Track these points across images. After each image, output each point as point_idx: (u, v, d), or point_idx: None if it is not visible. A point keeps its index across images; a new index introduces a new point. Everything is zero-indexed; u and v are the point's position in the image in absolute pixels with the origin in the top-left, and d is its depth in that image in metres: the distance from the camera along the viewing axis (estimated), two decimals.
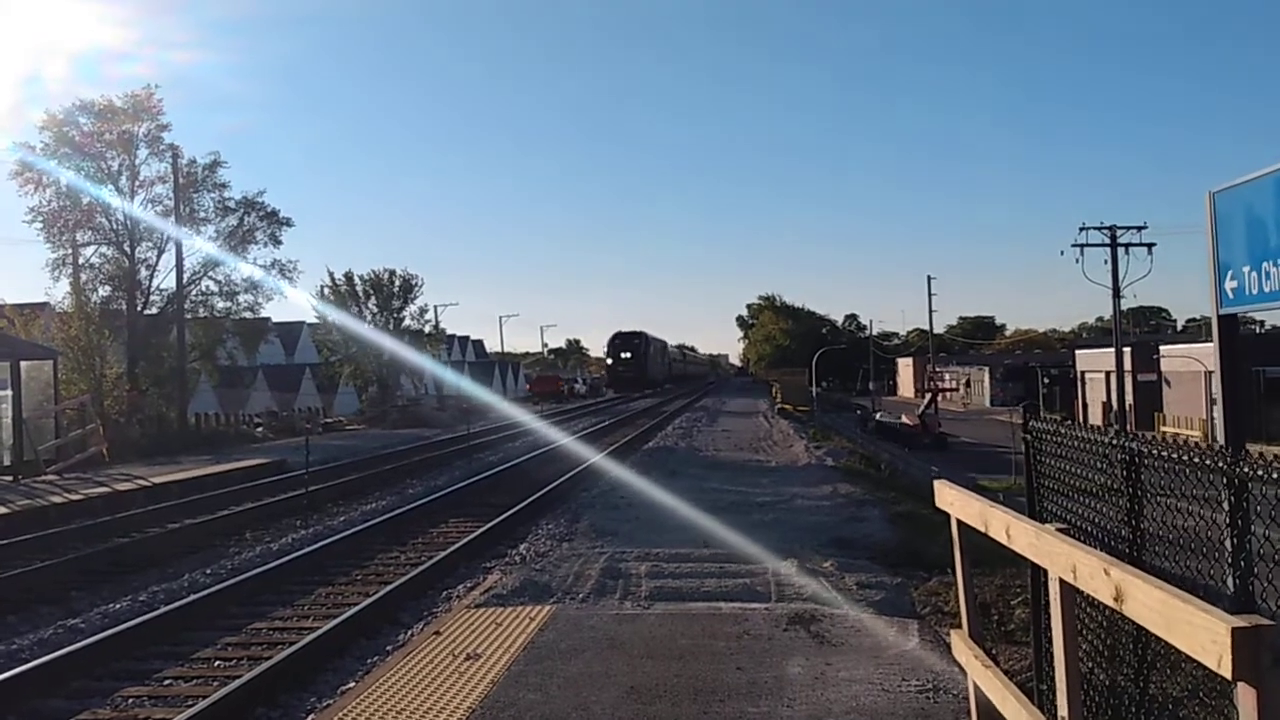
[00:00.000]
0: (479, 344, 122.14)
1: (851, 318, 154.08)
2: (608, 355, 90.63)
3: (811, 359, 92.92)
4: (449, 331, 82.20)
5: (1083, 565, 3.58)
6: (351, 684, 7.59)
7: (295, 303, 49.54)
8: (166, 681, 8.59)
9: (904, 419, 58.44)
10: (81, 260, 38.50)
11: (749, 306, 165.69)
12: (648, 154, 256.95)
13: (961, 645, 5.55)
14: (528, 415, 43.79)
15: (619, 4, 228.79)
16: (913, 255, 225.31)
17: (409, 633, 9.30)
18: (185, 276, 38.74)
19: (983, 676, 5.15)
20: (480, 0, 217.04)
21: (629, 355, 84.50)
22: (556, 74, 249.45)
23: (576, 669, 7.00)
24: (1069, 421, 5.60)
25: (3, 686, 7.98)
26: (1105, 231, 48.26)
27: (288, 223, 42.65)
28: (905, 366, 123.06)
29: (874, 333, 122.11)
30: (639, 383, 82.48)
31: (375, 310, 58.30)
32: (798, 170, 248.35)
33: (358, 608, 10.44)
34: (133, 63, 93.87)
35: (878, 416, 66.08)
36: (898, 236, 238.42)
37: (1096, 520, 4.82)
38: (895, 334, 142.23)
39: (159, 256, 39.68)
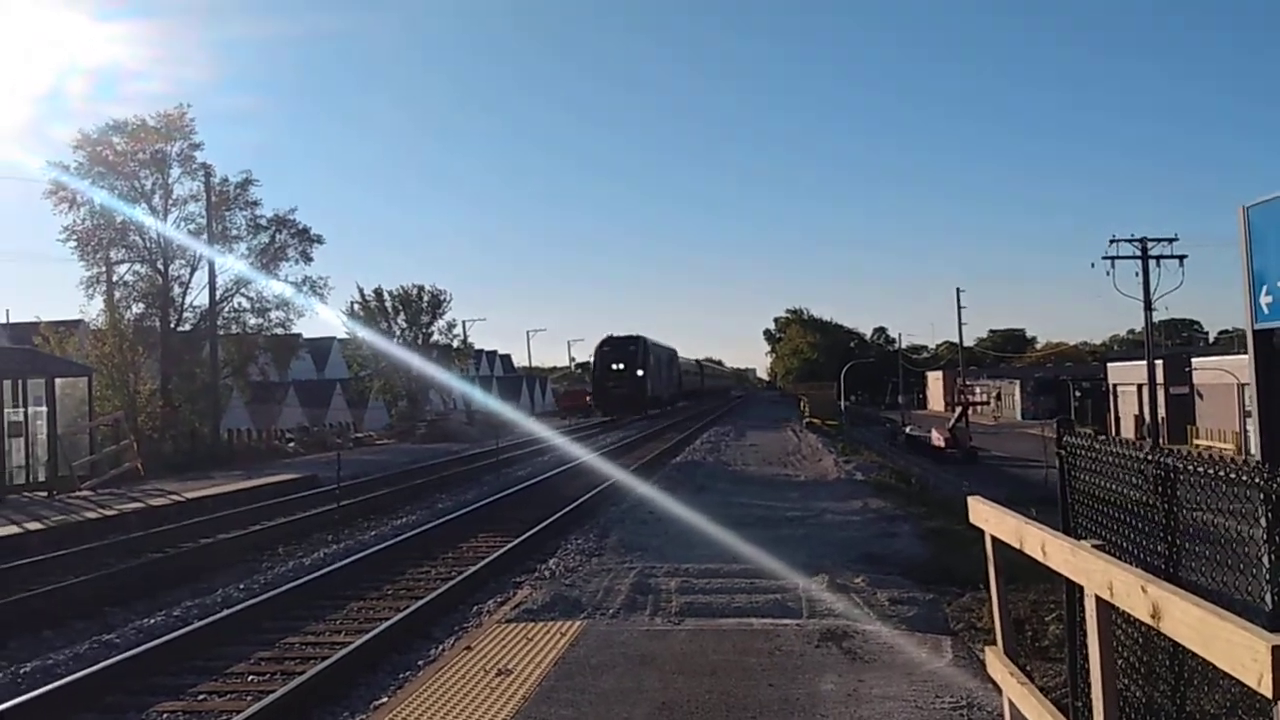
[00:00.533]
0: (507, 358, 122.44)
1: (880, 331, 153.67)
2: (594, 367, 70.99)
3: (839, 372, 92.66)
4: (477, 346, 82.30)
5: (1119, 582, 3.55)
6: (384, 699, 7.61)
7: (326, 319, 50.05)
8: (200, 696, 8.66)
9: (934, 433, 58.09)
10: (115, 278, 38.98)
11: (776, 320, 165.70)
12: (675, 168, 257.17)
13: (996, 662, 5.52)
14: (555, 430, 43.85)
15: (649, 17, 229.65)
16: (942, 268, 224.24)
17: (440, 648, 9.33)
18: (218, 293, 39.11)
19: (1018, 693, 5.11)
20: (507, 13, 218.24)
21: (621, 366, 65.75)
22: (583, 88, 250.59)
23: (608, 685, 7.00)
24: (1102, 436, 5.56)
25: (39, 702, 8.07)
26: (1136, 244, 47.94)
27: (318, 240, 43.07)
28: (935, 380, 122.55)
29: (903, 346, 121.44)
30: (636, 402, 64.59)
31: (404, 326, 58.71)
32: (825, 182, 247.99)
33: (389, 622, 10.49)
34: (150, 80, 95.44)
35: (907, 430, 65.81)
36: (927, 249, 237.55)
37: (1131, 536, 4.79)
38: (924, 347, 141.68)
39: (192, 274, 40.12)
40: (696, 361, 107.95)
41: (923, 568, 11.71)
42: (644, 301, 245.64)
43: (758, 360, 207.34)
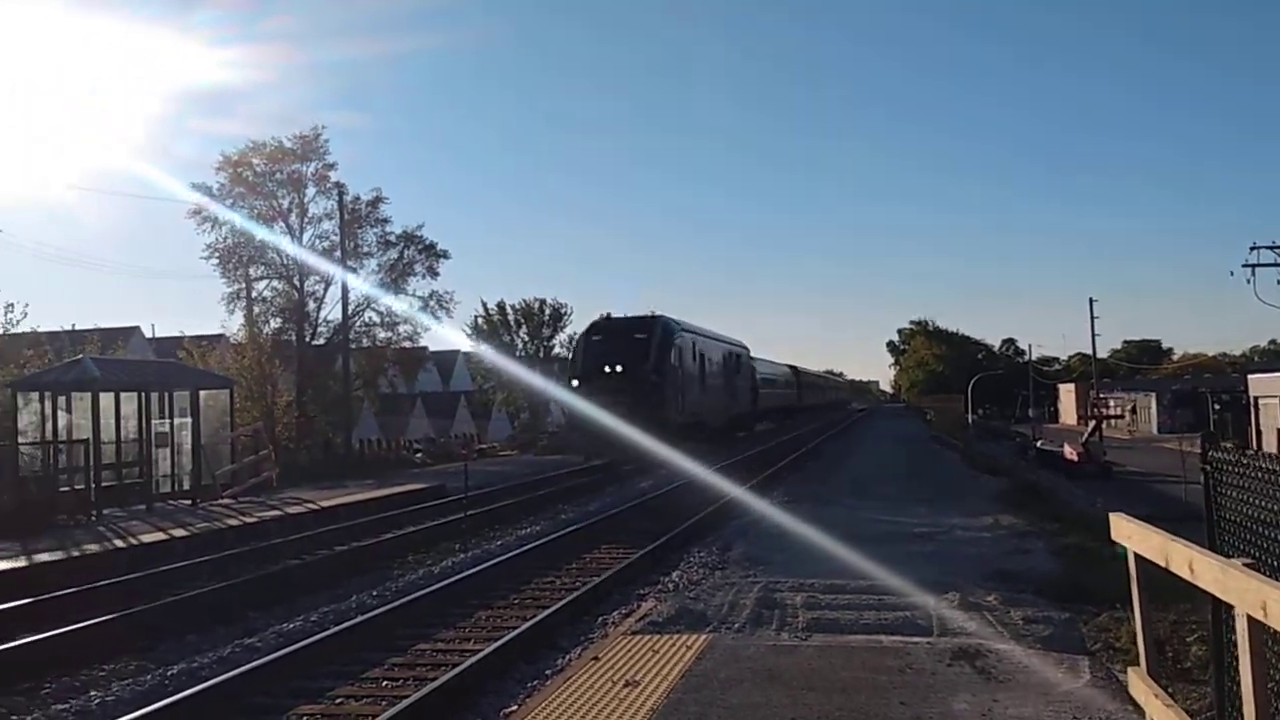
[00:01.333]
0: None
1: (1009, 342, 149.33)
2: (573, 369, 39.65)
3: (967, 385, 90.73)
4: None
5: (1273, 602, 3.43)
6: (514, 707, 7.72)
7: (451, 333, 51.34)
8: (338, 700, 8.92)
9: (1066, 448, 56.38)
10: (254, 294, 40.64)
11: (900, 331, 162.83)
12: (795, 178, 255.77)
13: (1139, 683, 5.36)
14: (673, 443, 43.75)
15: (786, 23, 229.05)
16: (1074, 277, 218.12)
17: (567, 657, 9.44)
18: (349, 308, 40.37)
19: (1163, 716, 4.95)
20: (633, 16, 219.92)
21: (619, 369, 36.97)
22: (706, 95, 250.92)
23: (736, 699, 6.98)
24: (1247, 450, 5.36)
25: (187, 703, 8.42)
26: (1277, 251, 45.85)
27: (445, 255, 44.26)
28: (1067, 393, 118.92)
29: (1033, 357, 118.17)
30: (643, 423, 33.42)
31: (526, 339, 59.68)
32: (952, 190, 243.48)
33: (517, 631, 10.65)
34: (260, 101, 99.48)
35: (1038, 444, 64.00)
36: (1058, 257, 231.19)
37: None
38: (1056, 359, 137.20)
39: (326, 289, 41.63)
40: (790, 368, 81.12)
41: (1057, 585, 11.36)
42: (764, 314, 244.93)
43: (881, 373, 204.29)
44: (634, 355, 36.95)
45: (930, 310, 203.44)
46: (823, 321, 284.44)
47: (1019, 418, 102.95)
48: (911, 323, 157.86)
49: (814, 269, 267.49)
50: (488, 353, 57.32)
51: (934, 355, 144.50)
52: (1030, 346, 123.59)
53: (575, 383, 37.88)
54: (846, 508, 19.28)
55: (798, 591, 10.91)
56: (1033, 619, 9.44)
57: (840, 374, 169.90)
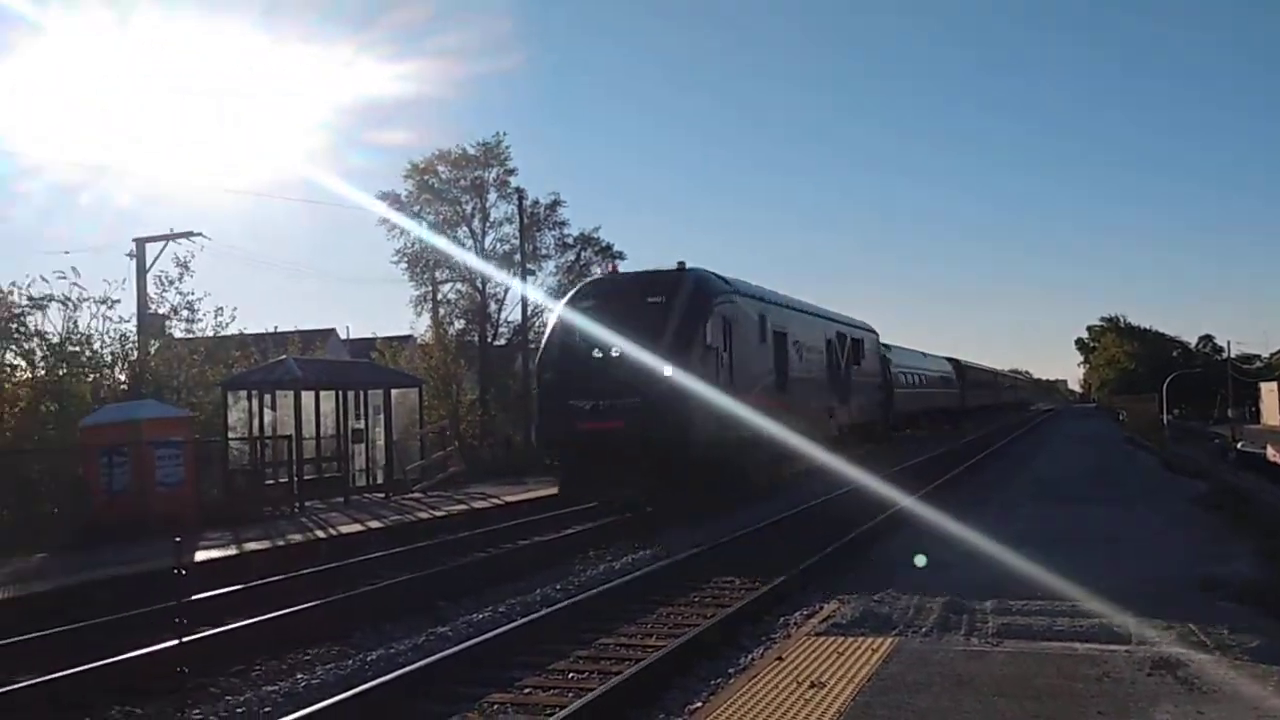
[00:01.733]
0: None
1: (1206, 339, 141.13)
2: (545, 360, 22.32)
3: (1161, 384, 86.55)
4: None
5: None
6: (698, 704, 7.80)
7: None
8: (527, 690, 9.15)
9: (1269, 449, 53.10)
10: (440, 296, 42.22)
11: (1089, 329, 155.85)
12: (983, 170, 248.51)
13: None
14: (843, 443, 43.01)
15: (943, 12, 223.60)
16: (1276, 269, 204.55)
17: (750, 656, 9.45)
18: (529, 309, 41.48)
19: None
20: (797, 18, 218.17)
21: (616, 354, 20.31)
22: (873, 85, 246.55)
23: (925, 703, 6.89)
24: None
25: (387, 687, 8.84)
26: None
27: (621, 256, 44.91)
28: (1269, 392, 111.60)
29: (1232, 355, 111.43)
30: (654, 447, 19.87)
31: None
32: (1140, 180, 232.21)
33: (699, 629, 10.71)
34: (430, 113, 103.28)
35: (1238, 446, 60.48)
36: (1259, 249, 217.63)
37: None
38: (1257, 356, 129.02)
39: (506, 291, 42.82)
40: (950, 361, 65.96)
41: (1265, 593, 10.75)
42: (946, 306, 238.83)
43: (1069, 372, 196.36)
44: (643, 332, 20.71)
45: (1121, 307, 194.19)
46: (1007, 320, 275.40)
47: (1217, 418, 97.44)
48: (1101, 319, 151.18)
49: (998, 264, 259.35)
50: None
51: (1125, 353, 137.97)
52: (1229, 343, 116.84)
53: (545, 380, 22.55)
54: (1032, 512, 18.70)
55: (985, 597, 10.67)
56: (1238, 629, 8.98)
57: (1026, 372, 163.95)
